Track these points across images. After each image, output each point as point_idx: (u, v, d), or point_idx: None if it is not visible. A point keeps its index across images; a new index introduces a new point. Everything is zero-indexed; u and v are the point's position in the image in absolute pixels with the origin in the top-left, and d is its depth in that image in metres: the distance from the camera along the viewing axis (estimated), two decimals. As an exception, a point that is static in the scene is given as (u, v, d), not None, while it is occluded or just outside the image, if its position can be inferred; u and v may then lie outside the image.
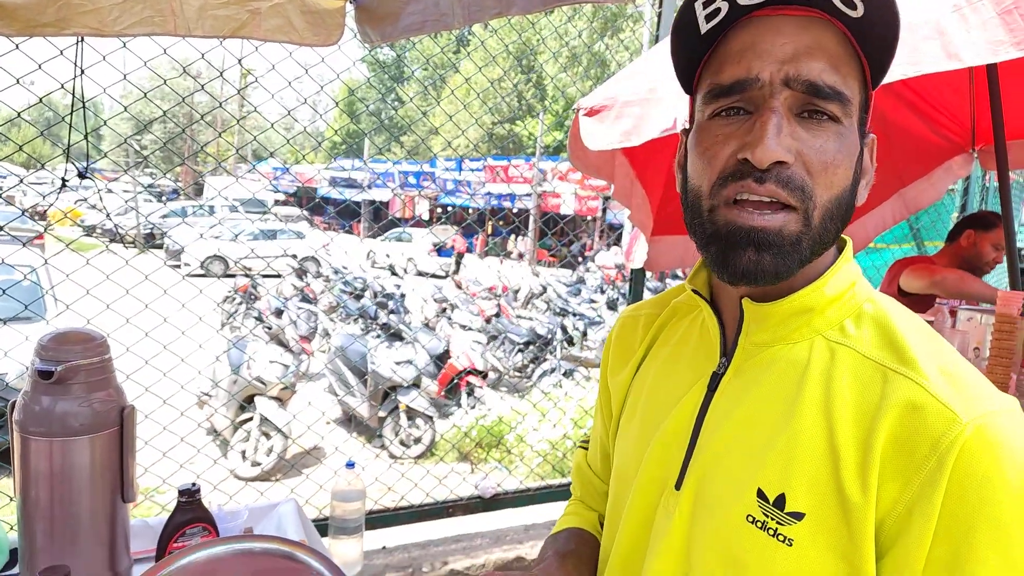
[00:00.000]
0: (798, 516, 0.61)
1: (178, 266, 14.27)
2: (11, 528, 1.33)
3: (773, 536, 0.62)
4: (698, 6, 0.64)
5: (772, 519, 0.62)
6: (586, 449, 1.02)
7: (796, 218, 0.62)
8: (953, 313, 2.00)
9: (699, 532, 0.68)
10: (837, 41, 0.62)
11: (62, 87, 1.42)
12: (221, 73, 1.85)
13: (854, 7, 0.60)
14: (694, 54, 0.68)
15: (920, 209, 2.85)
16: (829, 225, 0.64)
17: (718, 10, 0.63)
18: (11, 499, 1.94)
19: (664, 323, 0.85)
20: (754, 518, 0.64)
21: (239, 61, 2.27)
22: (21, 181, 1.83)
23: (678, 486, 0.71)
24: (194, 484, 1.19)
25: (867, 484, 0.59)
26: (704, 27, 0.64)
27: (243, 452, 5.05)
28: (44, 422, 1.04)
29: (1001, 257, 2.77)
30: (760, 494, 0.64)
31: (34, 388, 1.05)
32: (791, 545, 0.61)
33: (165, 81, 1.89)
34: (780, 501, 0.62)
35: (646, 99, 1.44)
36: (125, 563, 1.20)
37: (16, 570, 1.26)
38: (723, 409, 0.70)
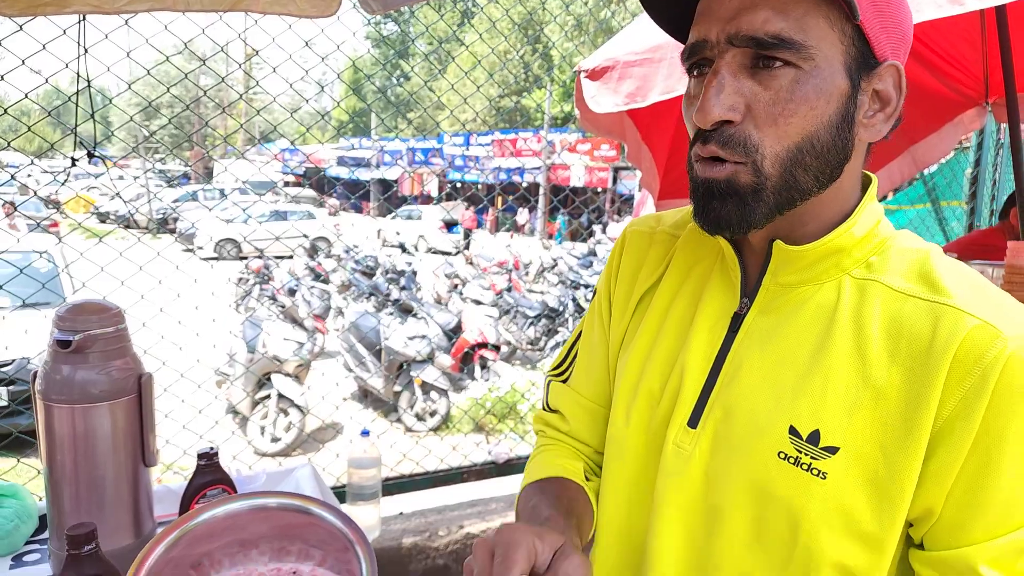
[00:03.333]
0: (832, 451, 0.64)
1: (191, 250, 14.39)
2: (40, 498, 1.38)
3: (807, 471, 0.65)
4: None
5: (806, 455, 0.65)
6: (561, 380, 0.95)
7: (745, 170, 0.64)
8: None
9: (722, 469, 0.70)
10: None
11: (66, 66, 1.44)
12: (223, 48, 1.85)
13: None
14: (677, 15, 0.70)
15: (928, 166, 2.81)
16: (796, 172, 0.64)
17: None
18: (38, 472, 2.01)
19: (680, 248, 0.83)
20: (786, 454, 0.66)
21: (240, 36, 2.27)
22: (33, 162, 1.85)
23: (693, 424, 0.73)
24: (212, 447, 1.22)
25: (918, 413, 0.61)
26: None
27: (262, 428, 5.15)
28: (65, 390, 1.07)
29: None
30: (792, 431, 0.66)
31: (54, 358, 1.08)
32: (825, 478, 0.64)
33: (168, 59, 1.89)
34: (814, 437, 0.65)
35: (648, 59, 1.43)
36: (149, 526, 1.24)
37: (45, 535, 1.32)
38: (748, 349, 0.71)
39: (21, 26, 1.52)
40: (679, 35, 0.73)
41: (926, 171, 4.55)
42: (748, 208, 0.65)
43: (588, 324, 0.93)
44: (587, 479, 0.88)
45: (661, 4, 0.70)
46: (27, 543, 1.30)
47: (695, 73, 0.68)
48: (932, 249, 0.70)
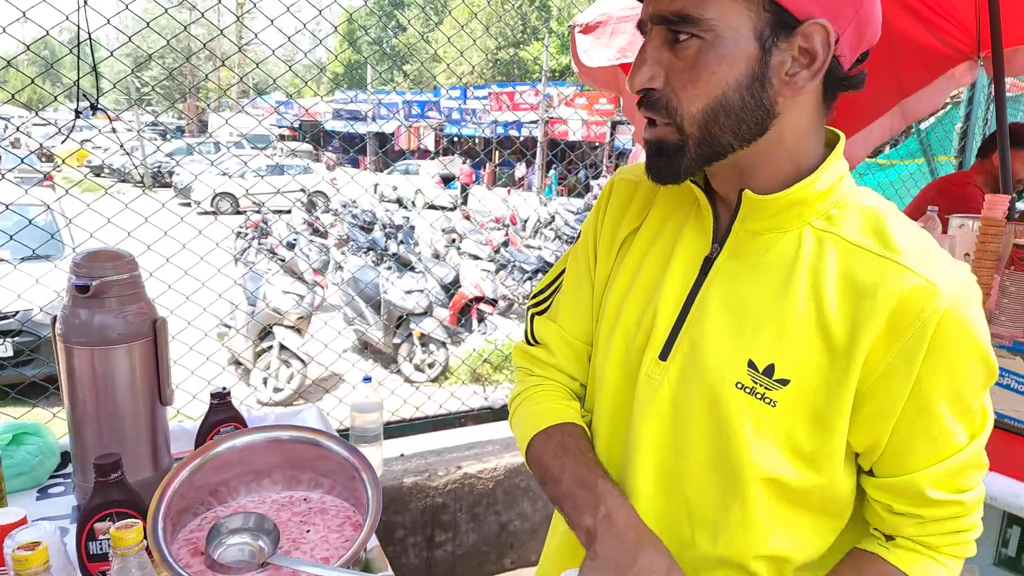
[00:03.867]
0: (784, 382, 0.73)
1: (187, 204, 14.33)
2: (59, 437, 1.46)
3: (760, 399, 0.74)
4: None
5: (760, 385, 0.74)
6: (541, 312, 1.00)
7: (671, 130, 0.74)
8: (944, 220, 2.05)
9: (687, 397, 0.79)
10: None
11: (67, 18, 1.46)
12: (220, 1, 1.86)
13: None
14: None
15: (918, 119, 2.84)
16: (712, 129, 0.72)
17: None
18: (54, 415, 2.09)
19: (661, 197, 0.90)
20: (743, 385, 0.75)
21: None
22: (36, 114, 1.87)
23: (663, 357, 0.81)
24: (224, 388, 1.30)
25: (854, 353, 0.70)
26: None
27: (264, 379, 5.26)
28: (84, 333, 1.14)
29: None
30: (751, 364, 0.74)
31: (73, 302, 1.14)
32: (775, 406, 0.74)
33: (167, 11, 1.90)
34: (769, 370, 0.74)
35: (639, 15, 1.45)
36: (167, 461, 1.33)
37: (68, 470, 1.40)
38: (716, 289, 0.79)
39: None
40: None
41: (921, 126, 4.56)
42: (674, 163, 0.75)
43: (572, 263, 0.98)
44: (582, 416, 0.95)
45: None
46: (51, 477, 1.39)
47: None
48: (888, 207, 0.77)
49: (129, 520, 0.72)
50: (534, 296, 1.03)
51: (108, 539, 0.99)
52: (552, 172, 19.44)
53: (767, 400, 0.74)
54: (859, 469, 0.79)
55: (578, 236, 1.02)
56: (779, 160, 0.75)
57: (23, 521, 0.93)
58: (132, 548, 0.70)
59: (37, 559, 0.67)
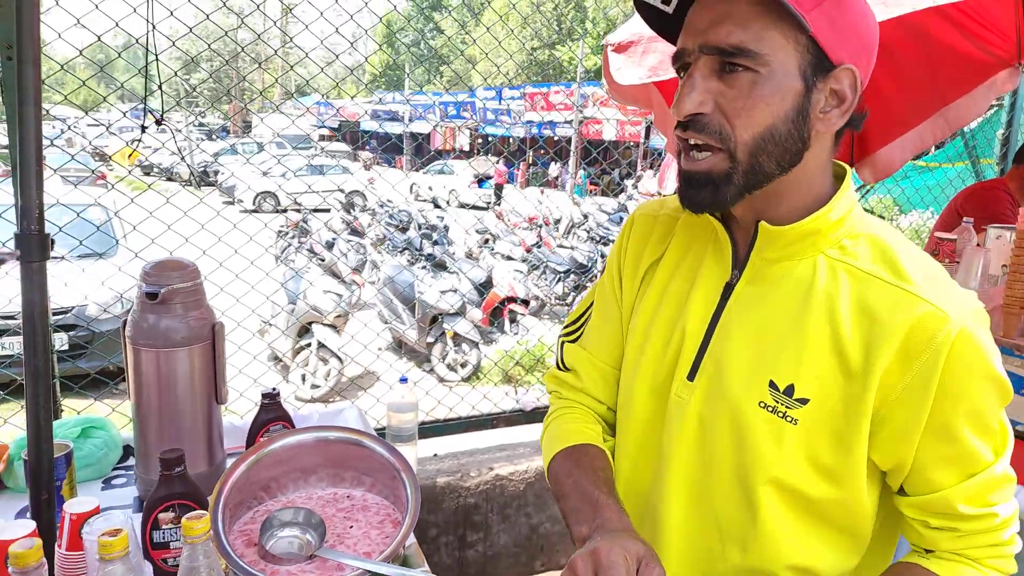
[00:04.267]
0: (804, 401, 0.79)
1: (232, 202, 14.72)
2: (121, 428, 1.57)
3: (782, 418, 0.79)
4: None
5: (782, 404, 0.79)
6: (572, 341, 1.06)
7: (723, 157, 0.77)
8: (980, 231, 2.04)
9: (712, 415, 0.84)
10: (752, 3, 0.73)
11: (136, 42, 1.57)
12: (259, 6, 1.93)
13: None
14: (674, 24, 0.82)
15: (962, 126, 2.81)
16: (760, 158, 0.76)
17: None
18: (113, 410, 2.22)
19: (680, 228, 0.96)
20: (765, 404, 0.80)
21: (283, 3, 2.36)
22: (108, 128, 1.99)
23: (691, 377, 0.86)
24: (275, 388, 1.39)
25: (870, 376, 0.75)
26: (669, 9, 0.80)
27: (303, 376, 5.41)
28: (151, 336, 1.24)
29: None
30: (772, 384, 0.80)
31: (142, 308, 1.24)
32: (796, 424, 0.79)
33: (208, 16, 1.98)
34: (790, 390, 0.79)
35: (671, 32, 1.50)
36: (220, 456, 1.42)
37: (130, 462, 1.50)
38: (737, 313, 0.84)
39: (97, 5, 1.64)
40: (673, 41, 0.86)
41: (966, 129, 4.46)
42: (720, 192, 0.78)
43: (600, 294, 1.05)
44: (604, 440, 1.01)
45: (658, 18, 0.84)
46: (113, 469, 1.49)
47: (681, 75, 0.81)
48: (897, 237, 0.82)
49: (199, 512, 0.80)
50: (566, 327, 1.09)
51: (170, 528, 1.08)
52: (582, 172, 19.45)
53: (788, 418, 0.79)
54: (889, 489, 0.83)
55: (612, 241, 1.08)
56: (800, 190, 0.81)
57: (96, 510, 1.02)
58: (200, 537, 0.78)
59: (119, 544, 0.75)
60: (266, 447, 1.11)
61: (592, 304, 1.06)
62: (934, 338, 0.72)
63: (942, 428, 0.75)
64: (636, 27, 1.56)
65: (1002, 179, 3.09)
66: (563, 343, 1.08)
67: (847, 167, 0.85)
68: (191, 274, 1.24)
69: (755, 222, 0.83)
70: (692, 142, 0.78)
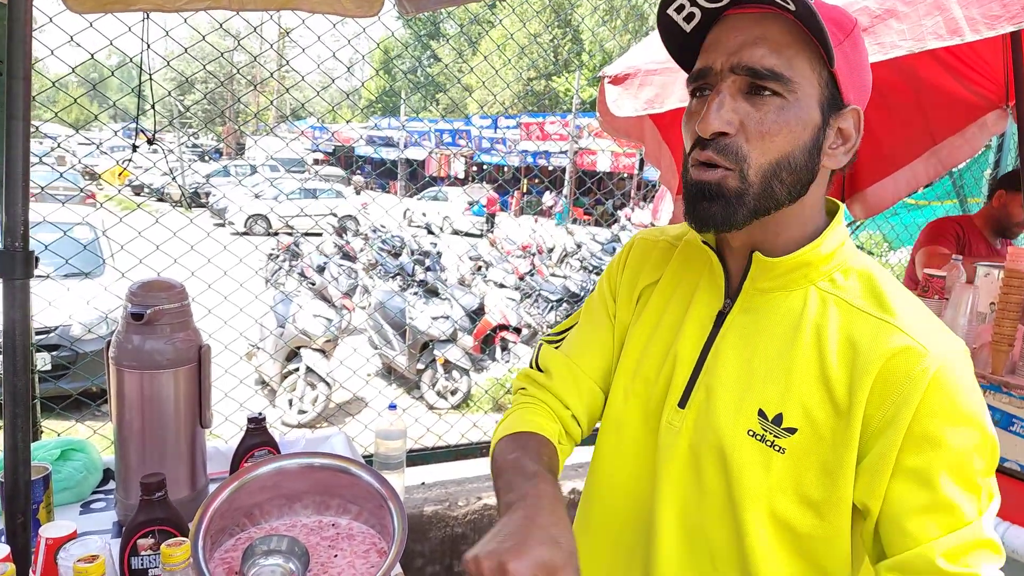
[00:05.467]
0: (791, 431, 0.78)
1: (223, 224, 14.69)
2: (103, 450, 1.53)
3: (770, 447, 0.78)
4: (672, 13, 0.78)
5: (770, 433, 0.79)
6: (554, 344, 1.02)
7: (733, 176, 0.76)
8: (971, 269, 2.06)
9: (703, 442, 0.83)
10: (785, 30, 0.73)
11: (131, 60, 1.57)
12: (256, 30, 1.94)
13: (789, 2, 0.71)
14: (687, 47, 0.82)
15: (954, 166, 2.86)
16: (773, 183, 0.76)
17: (693, 14, 0.77)
18: (94, 432, 2.18)
19: (676, 256, 0.96)
20: (754, 432, 0.79)
21: (280, 28, 2.38)
22: (98, 147, 1.99)
23: (682, 404, 0.86)
24: (260, 413, 1.36)
25: (853, 407, 0.74)
26: (687, 27, 0.79)
27: (290, 400, 5.34)
28: (136, 357, 1.21)
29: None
30: (761, 413, 0.79)
31: (126, 328, 1.22)
32: (783, 453, 0.78)
33: (204, 37, 2.00)
34: (778, 419, 0.79)
35: (667, 67, 1.52)
36: (203, 480, 1.39)
37: (110, 486, 1.47)
38: (729, 342, 0.84)
39: (91, 23, 1.65)
40: (683, 65, 0.86)
41: (954, 168, 4.54)
42: (732, 209, 0.77)
43: (588, 307, 1.04)
44: (560, 443, 0.96)
45: (675, 38, 0.82)
46: (93, 492, 1.45)
47: (697, 94, 0.80)
48: (884, 274, 0.82)
49: (179, 539, 0.77)
50: (550, 332, 1.06)
51: (149, 555, 1.05)
52: (562, 200, 19.67)
53: (776, 447, 0.78)
54: (871, 551, 0.79)
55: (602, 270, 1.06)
56: (799, 222, 0.82)
57: (73, 535, 0.99)
58: (180, 565, 0.76)
59: (96, 571, 0.73)
60: (250, 472, 1.09)
61: (580, 317, 1.05)
62: (911, 372, 0.71)
63: (916, 471, 0.72)
64: (633, 60, 1.58)
65: (967, 215, 3.14)
66: (541, 344, 1.04)
67: (839, 203, 0.86)
68: (178, 295, 1.23)
69: (750, 252, 0.83)
70: (703, 160, 0.77)
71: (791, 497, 0.79)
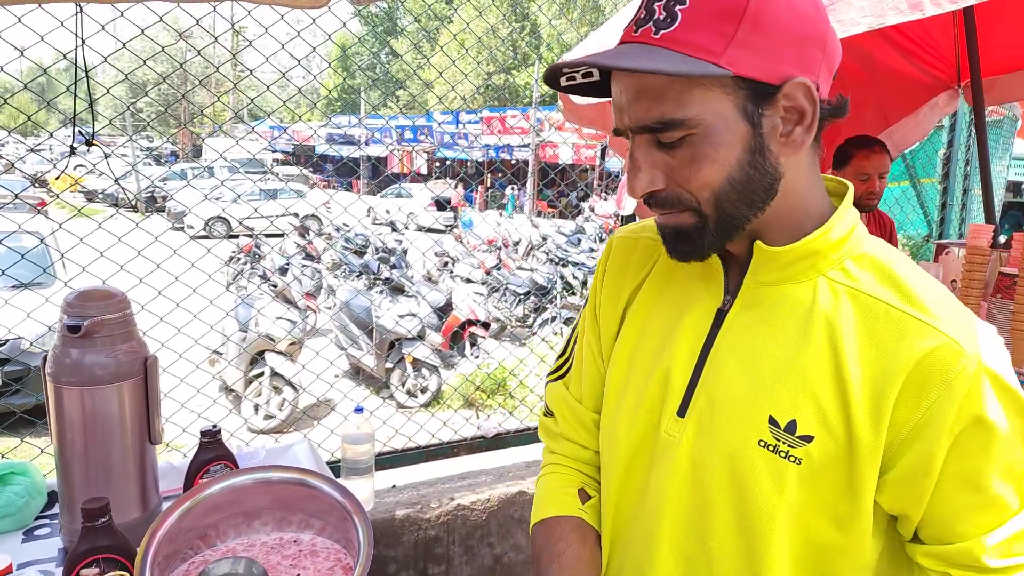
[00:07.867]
0: (807, 439, 0.71)
1: (181, 228, 14.32)
2: (46, 474, 1.45)
3: (784, 457, 0.71)
4: (566, 83, 0.74)
5: (783, 443, 0.72)
6: (558, 379, 1.00)
7: (689, 215, 0.73)
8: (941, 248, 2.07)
9: (706, 455, 0.76)
10: (658, 76, 0.67)
11: (64, 57, 1.47)
12: (215, 38, 1.88)
13: (656, 34, 0.67)
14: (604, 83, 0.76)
15: (908, 148, 2.89)
16: (726, 207, 0.71)
17: (590, 73, 0.73)
18: (42, 451, 2.07)
19: (663, 252, 0.87)
20: (765, 442, 0.72)
21: (232, 26, 2.29)
22: (32, 151, 1.88)
23: (682, 413, 0.78)
24: (215, 425, 1.29)
25: (877, 412, 0.68)
26: (596, 77, 0.74)
27: (255, 406, 5.22)
28: (75, 372, 1.13)
29: (875, 186, 2.47)
30: (772, 420, 0.72)
31: (64, 342, 1.14)
32: (800, 464, 0.71)
33: (163, 49, 1.91)
34: (791, 426, 0.71)
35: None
36: (155, 500, 1.32)
37: (55, 510, 1.38)
38: (731, 343, 0.77)
39: (20, 18, 1.55)
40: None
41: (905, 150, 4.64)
42: (699, 243, 0.74)
43: (581, 328, 0.98)
44: (589, 497, 0.93)
45: (586, 90, 0.77)
46: (37, 518, 1.37)
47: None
48: (903, 259, 0.75)
49: (119, 572, 0.71)
50: (553, 368, 1.03)
51: (95, 585, 0.98)
52: (509, 193, 19.90)
53: (792, 458, 0.71)
54: (900, 537, 0.76)
55: (571, 263, 1.02)
56: (793, 214, 0.75)
57: (8, 569, 0.91)
58: (121, 600, 0.70)
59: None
60: (201, 492, 1.02)
61: (575, 340, 0.99)
62: (947, 374, 0.66)
63: (967, 476, 0.68)
64: (590, 46, 1.54)
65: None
66: (548, 383, 1.01)
67: (848, 184, 0.79)
68: (119, 304, 1.15)
69: (750, 242, 0.76)
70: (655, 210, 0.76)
71: (811, 513, 0.72)
